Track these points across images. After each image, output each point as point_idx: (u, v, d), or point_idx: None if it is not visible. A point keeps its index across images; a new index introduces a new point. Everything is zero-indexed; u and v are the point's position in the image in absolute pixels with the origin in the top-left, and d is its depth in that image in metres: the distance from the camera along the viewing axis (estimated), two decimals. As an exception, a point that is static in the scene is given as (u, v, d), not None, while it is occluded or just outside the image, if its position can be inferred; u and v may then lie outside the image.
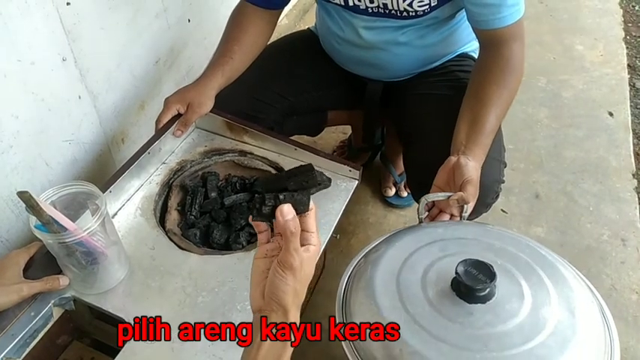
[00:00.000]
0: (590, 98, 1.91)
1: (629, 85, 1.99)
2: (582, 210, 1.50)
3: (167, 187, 1.01)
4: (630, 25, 2.38)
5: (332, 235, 0.93)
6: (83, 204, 0.80)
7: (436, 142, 1.00)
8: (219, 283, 0.84)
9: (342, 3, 1.05)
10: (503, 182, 1.03)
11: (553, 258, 0.77)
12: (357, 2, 1.03)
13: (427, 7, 1.00)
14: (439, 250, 0.77)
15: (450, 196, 0.86)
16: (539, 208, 1.51)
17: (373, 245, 0.84)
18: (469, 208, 0.87)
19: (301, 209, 0.57)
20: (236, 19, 1.14)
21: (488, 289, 0.68)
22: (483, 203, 0.96)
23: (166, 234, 0.92)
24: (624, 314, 1.25)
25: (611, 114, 1.83)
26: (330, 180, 1.00)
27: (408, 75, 1.20)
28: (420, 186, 1.08)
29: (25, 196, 0.67)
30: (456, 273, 0.67)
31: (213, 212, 0.97)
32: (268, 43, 1.19)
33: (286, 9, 1.21)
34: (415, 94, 1.17)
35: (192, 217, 0.96)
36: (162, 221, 0.96)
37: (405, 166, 1.20)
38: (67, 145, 1.08)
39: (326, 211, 0.95)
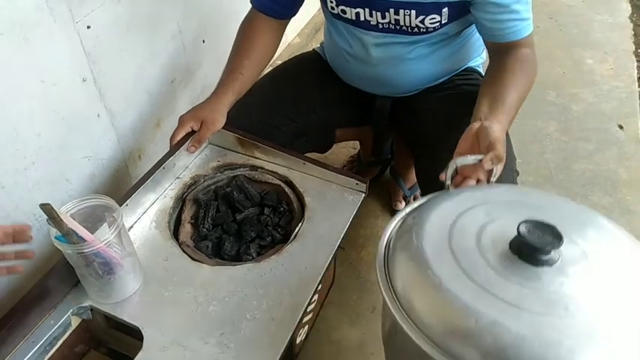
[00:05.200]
0: (600, 111, 1.91)
1: (640, 98, 1.99)
2: (592, 223, 1.50)
3: (181, 201, 1.05)
4: (641, 38, 2.39)
5: (339, 247, 0.95)
6: (101, 217, 0.84)
7: (448, 155, 1.01)
8: (230, 293, 0.86)
9: (354, 18, 1.08)
10: None
11: (598, 216, 0.73)
12: (368, 17, 1.06)
13: (438, 23, 1.03)
14: (485, 214, 0.70)
15: (482, 158, 0.80)
16: (549, 221, 1.51)
17: (404, 213, 0.77)
18: (499, 170, 0.82)
19: None
20: (246, 30, 1.17)
21: (553, 251, 0.62)
22: None
23: (180, 246, 0.95)
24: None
25: (621, 127, 1.83)
26: None
27: (415, 90, 1.22)
28: None
29: (46, 208, 0.71)
30: (519, 234, 0.62)
31: (225, 225, 1.00)
32: (275, 65, 1.22)
33: (298, 27, 1.26)
34: (424, 109, 1.19)
35: (205, 229, 1.00)
36: (175, 234, 0.99)
37: (417, 179, 1.21)
38: (86, 161, 1.13)
39: (334, 223, 0.98)
